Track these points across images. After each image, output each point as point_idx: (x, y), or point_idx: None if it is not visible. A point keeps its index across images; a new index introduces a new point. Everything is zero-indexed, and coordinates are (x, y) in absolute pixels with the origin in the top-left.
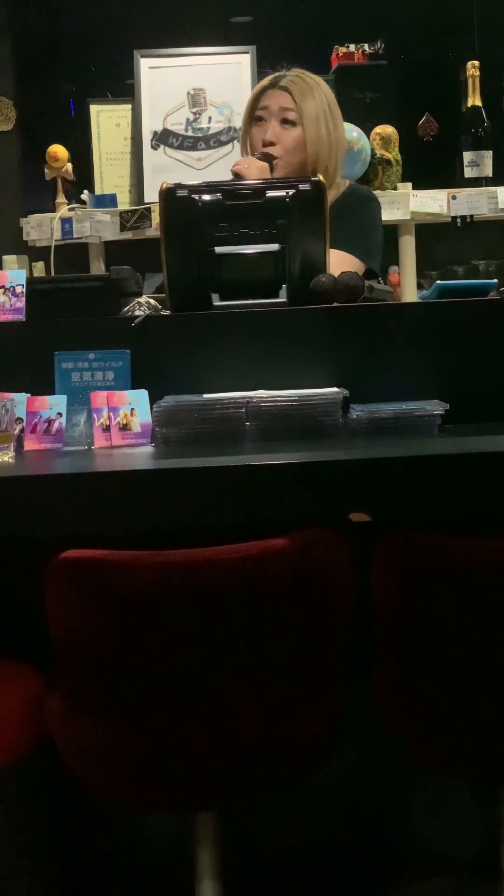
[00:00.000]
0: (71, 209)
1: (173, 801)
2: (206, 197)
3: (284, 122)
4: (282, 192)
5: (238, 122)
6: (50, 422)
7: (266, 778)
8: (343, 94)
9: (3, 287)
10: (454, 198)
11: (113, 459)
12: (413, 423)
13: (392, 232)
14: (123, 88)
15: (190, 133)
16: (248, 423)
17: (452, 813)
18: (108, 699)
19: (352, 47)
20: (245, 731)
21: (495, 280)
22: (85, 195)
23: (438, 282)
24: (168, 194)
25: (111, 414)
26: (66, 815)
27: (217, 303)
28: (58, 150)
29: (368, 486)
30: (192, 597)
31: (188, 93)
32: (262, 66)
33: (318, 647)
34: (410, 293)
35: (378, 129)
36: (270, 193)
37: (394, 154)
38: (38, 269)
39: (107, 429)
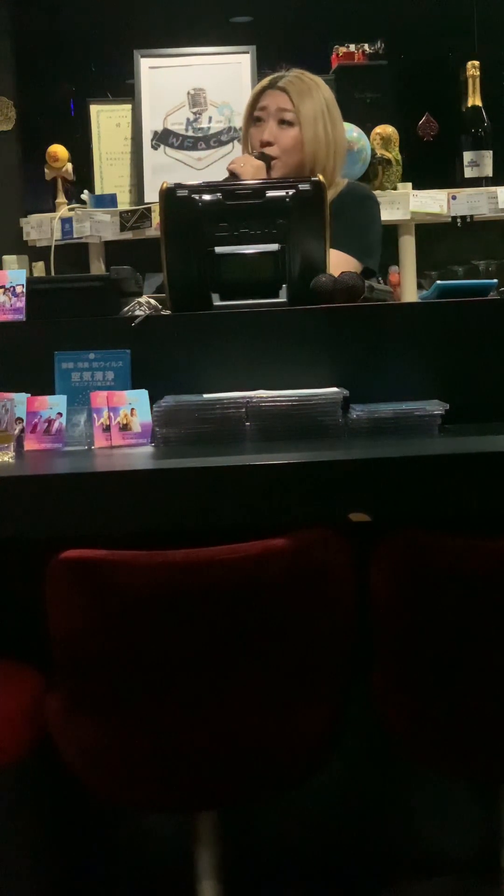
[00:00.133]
0: (71, 209)
1: (173, 801)
2: (206, 197)
3: (282, 122)
4: (282, 192)
5: (238, 122)
6: (50, 422)
7: (266, 778)
8: (343, 94)
9: (3, 287)
10: (454, 198)
11: (113, 459)
12: (413, 423)
13: (392, 232)
14: (123, 88)
15: (190, 133)
16: (248, 423)
17: (452, 813)
18: (108, 699)
19: (352, 47)
20: (245, 731)
21: (495, 280)
22: (85, 195)
23: (438, 282)
24: (168, 194)
25: (111, 414)
26: (66, 815)
27: (217, 303)
28: (58, 150)
29: (368, 486)
30: (192, 597)
31: (188, 93)
32: (262, 66)
33: (318, 647)
34: (410, 293)
35: (378, 129)
36: (270, 193)
37: (394, 154)
38: (38, 269)
39: (107, 429)
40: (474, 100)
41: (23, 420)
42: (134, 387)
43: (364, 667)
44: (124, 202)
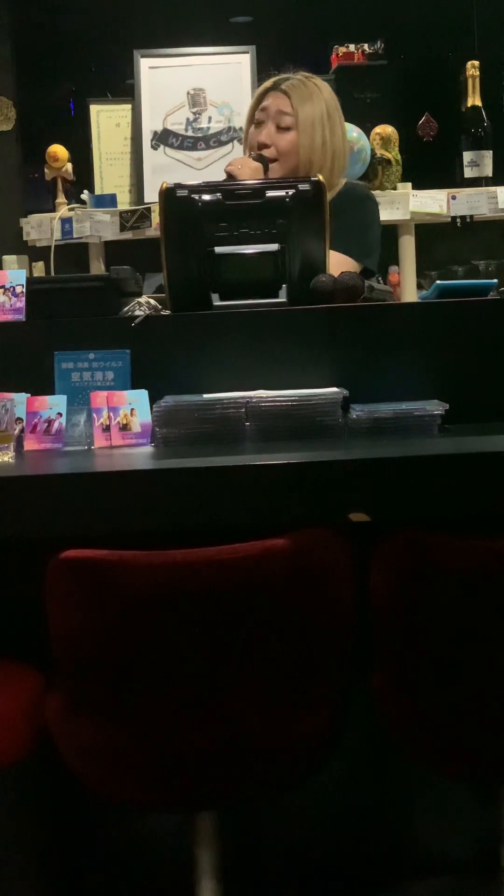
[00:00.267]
0: (71, 209)
1: (173, 801)
2: (206, 197)
3: (280, 125)
4: (281, 192)
5: (238, 122)
6: (50, 422)
7: (266, 778)
8: (343, 94)
9: (3, 287)
10: (454, 198)
11: (113, 459)
12: (413, 423)
13: (392, 232)
14: (123, 88)
15: (190, 133)
16: (248, 423)
17: (452, 813)
18: (108, 699)
19: (352, 47)
20: (245, 731)
21: (495, 280)
22: (85, 195)
23: (438, 282)
24: (168, 194)
25: (111, 414)
26: (66, 815)
27: (217, 303)
28: (58, 150)
29: (368, 486)
30: (192, 597)
31: (188, 93)
32: (262, 66)
33: (319, 647)
34: (410, 293)
35: (378, 129)
36: (270, 193)
37: (394, 154)
38: (38, 269)
39: (107, 429)
40: (474, 100)
41: (23, 420)
42: (134, 387)
43: (364, 667)
44: (124, 202)
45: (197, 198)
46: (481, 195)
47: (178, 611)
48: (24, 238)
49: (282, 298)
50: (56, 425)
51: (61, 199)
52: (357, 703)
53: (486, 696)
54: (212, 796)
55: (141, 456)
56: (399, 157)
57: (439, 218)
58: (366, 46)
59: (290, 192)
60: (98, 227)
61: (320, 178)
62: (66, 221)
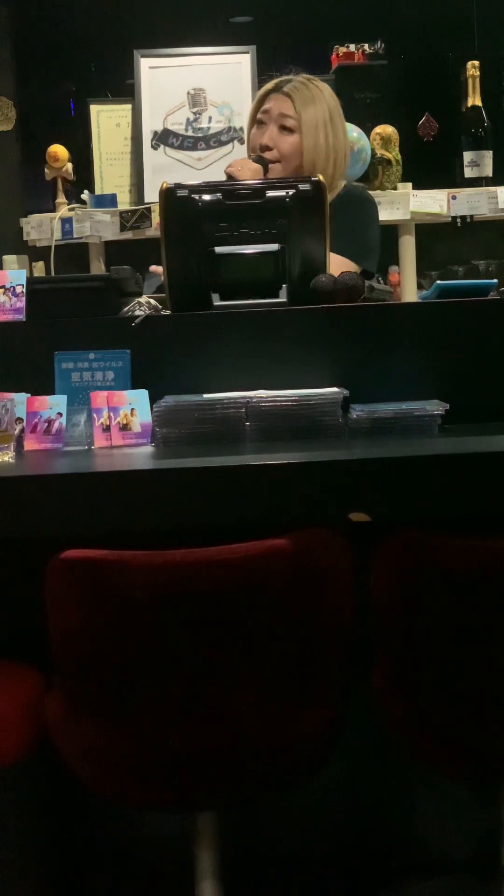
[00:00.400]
0: (71, 209)
1: (173, 801)
2: (206, 197)
3: (283, 128)
4: (282, 192)
5: (238, 122)
6: (50, 422)
7: (266, 778)
8: (343, 94)
9: (3, 287)
10: (454, 198)
11: (113, 459)
12: (413, 423)
13: (392, 232)
14: (123, 88)
15: (190, 133)
16: (248, 423)
17: (452, 813)
18: (108, 699)
19: (352, 47)
20: (245, 732)
21: (495, 280)
22: (85, 195)
23: (438, 282)
24: (168, 194)
25: (111, 414)
26: (66, 815)
27: (217, 303)
28: (58, 150)
29: (368, 486)
30: (191, 597)
31: (188, 93)
32: (262, 66)
33: (318, 647)
34: (410, 293)
35: (378, 129)
36: (270, 193)
37: (394, 154)
38: (38, 269)
39: (107, 429)
40: (474, 100)
41: (23, 420)
42: (134, 387)
43: (364, 667)
44: (124, 202)
45: (197, 198)
46: (481, 195)
47: (178, 611)
48: (24, 238)
49: (282, 298)
50: (56, 425)
51: (61, 199)
52: (357, 703)
53: (486, 696)
54: (212, 796)
55: (141, 456)
56: (399, 157)
57: (439, 218)
58: (366, 46)
59: (290, 192)
60: (98, 227)
61: (320, 178)
62: (66, 221)
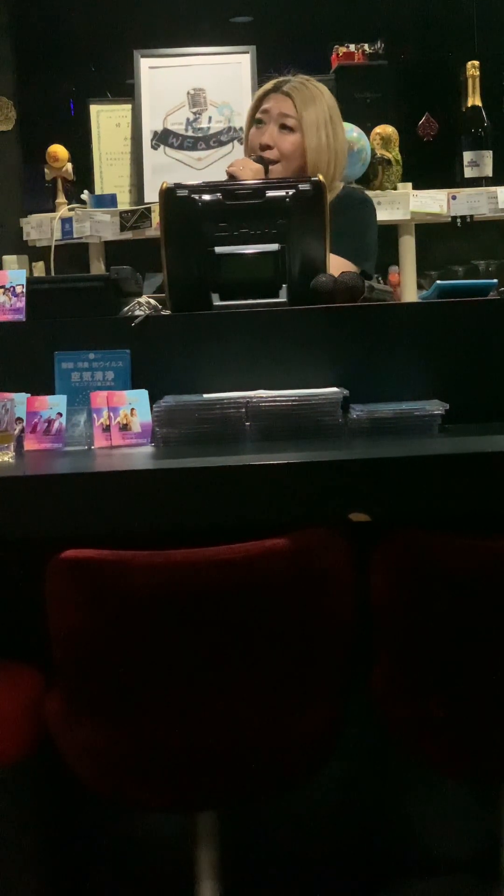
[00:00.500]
0: (71, 209)
1: (173, 801)
2: (206, 197)
3: (283, 127)
4: (282, 192)
5: (238, 123)
6: (50, 422)
7: (266, 778)
8: (343, 94)
9: (3, 287)
10: (454, 198)
11: (113, 459)
12: (413, 423)
13: (392, 232)
14: (123, 88)
15: (190, 133)
16: (248, 423)
17: (452, 813)
18: (108, 699)
19: (352, 47)
20: (245, 732)
21: (495, 280)
22: (85, 195)
23: (438, 282)
24: (168, 194)
25: (111, 414)
26: (66, 815)
27: (217, 303)
28: (58, 150)
29: (368, 486)
30: (191, 597)
31: (188, 93)
32: (263, 66)
33: (318, 647)
34: (410, 293)
35: (378, 129)
36: (270, 193)
37: (394, 154)
38: (38, 269)
39: (107, 429)
40: (474, 100)
41: (23, 420)
42: (134, 387)
43: (364, 667)
44: (124, 202)
45: (197, 198)
46: (481, 195)
47: (178, 611)
48: (24, 238)
49: (282, 298)
50: (56, 425)
51: (61, 199)
52: (357, 703)
53: (486, 696)
54: (212, 796)
55: (141, 456)
56: (399, 157)
57: (439, 218)
58: (366, 46)
59: (290, 192)
60: (98, 227)
61: (320, 177)
62: (66, 221)
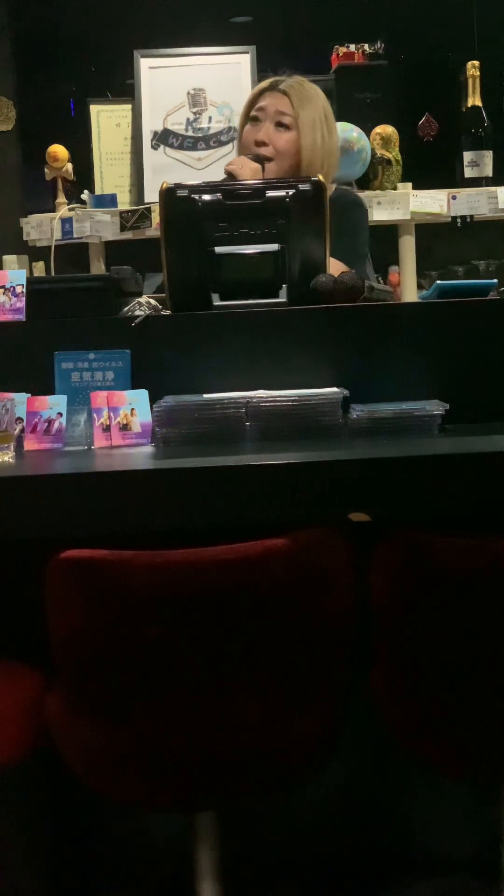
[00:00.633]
0: (71, 209)
1: (173, 801)
2: (206, 197)
3: (279, 125)
4: (282, 192)
5: (238, 122)
6: (50, 422)
7: (266, 778)
8: (343, 94)
9: (3, 287)
10: (454, 198)
11: (113, 459)
12: (413, 423)
13: (392, 232)
14: (123, 88)
15: (190, 133)
16: (248, 423)
17: (452, 813)
18: (108, 699)
19: (352, 47)
20: (245, 731)
21: (495, 280)
22: (85, 195)
23: (438, 282)
24: (168, 194)
25: (111, 414)
26: (66, 815)
27: (217, 303)
28: (58, 150)
29: (368, 486)
30: (192, 597)
31: (188, 93)
32: (263, 66)
33: (318, 647)
34: (410, 293)
35: (378, 129)
36: (270, 193)
37: (394, 154)
38: (38, 269)
39: (107, 429)
40: (474, 100)
41: (23, 420)
42: (134, 387)
43: (364, 667)
44: (124, 202)
45: (197, 198)
46: (481, 195)
47: (178, 611)
48: (24, 238)
49: (282, 298)
50: (56, 425)
51: (61, 199)
52: (357, 703)
53: (486, 697)
54: (212, 796)
55: (141, 456)
56: (399, 157)
57: (439, 218)
58: (366, 46)
59: (290, 192)
60: (98, 227)
61: (320, 177)
62: (66, 221)
